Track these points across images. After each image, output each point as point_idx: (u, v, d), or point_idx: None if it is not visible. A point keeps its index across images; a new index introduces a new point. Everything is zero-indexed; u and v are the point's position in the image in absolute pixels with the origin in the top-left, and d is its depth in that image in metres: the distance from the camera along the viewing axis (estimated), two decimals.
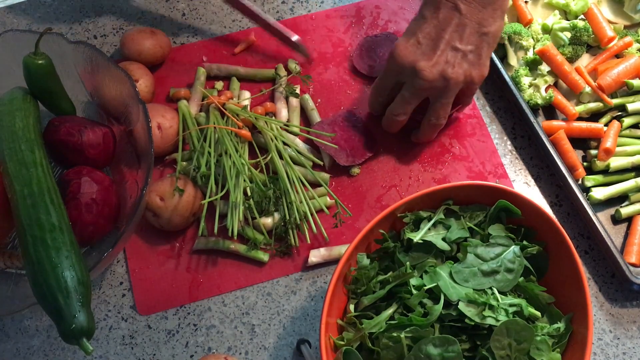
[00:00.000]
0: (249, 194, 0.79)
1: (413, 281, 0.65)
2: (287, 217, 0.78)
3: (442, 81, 0.74)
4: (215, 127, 0.82)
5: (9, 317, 0.77)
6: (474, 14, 0.73)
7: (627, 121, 0.87)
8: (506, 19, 0.92)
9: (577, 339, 0.65)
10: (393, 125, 0.82)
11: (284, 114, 0.87)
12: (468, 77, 0.75)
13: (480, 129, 0.88)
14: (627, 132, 0.87)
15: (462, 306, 0.62)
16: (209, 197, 0.78)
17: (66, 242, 0.63)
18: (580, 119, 0.87)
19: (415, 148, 0.86)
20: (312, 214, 0.79)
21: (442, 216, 0.69)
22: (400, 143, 0.87)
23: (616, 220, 0.83)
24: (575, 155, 0.84)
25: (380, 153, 0.86)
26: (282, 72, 0.90)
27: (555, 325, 0.65)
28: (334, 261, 0.79)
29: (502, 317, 0.61)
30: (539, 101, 0.86)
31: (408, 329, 0.61)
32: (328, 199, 0.82)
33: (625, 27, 0.93)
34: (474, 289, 0.64)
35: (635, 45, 0.90)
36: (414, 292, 0.64)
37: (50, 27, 0.76)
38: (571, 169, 0.83)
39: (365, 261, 0.67)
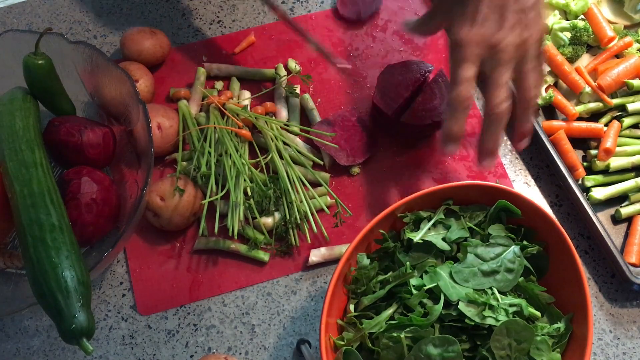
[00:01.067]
0: (249, 193, 0.79)
1: (413, 281, 0.65)
2: (288, 216, 0.78)
3: (523, 45, 0.66)
4: (215, 127, 0.82)
5: (9, 317, 0.77)
6: None
7: (627, 121, 0.87)
8: (545, 14, 0.91)
9: (577, 339, 0.65)
10: (501, 121, 0.69)
11: (284, 113, 0.87)
12: (541, 30, 0.68)
13: (480, 129, 0.88)
14: (627, 132, 0.87)
15: (462, 306, 0.62)
16: (209, 197, 0.78)
17: (66, 242, 0.63)
18: (580, 119, 0.87)
19: (415, 148, 0.86)
20: (312, 214, 0.79)
21: (442, 216, 0.69)
22: (401, 143, 0.86)
23: (616, 220, 0.83)
24: (575, 155, 0.84)
25: (380, 153, 0.86)
26: (282, 71, 0.90)
27: (555, 325, 0.65)
28: (335, 261, 0.79)
29: (502, 317, 0.61)
30: (539, 101, 0.86)
31: (408, 329, 0.61)
32: (328, 198, 0.82)
33: (625, 27, 0.93)
34: (474, 289, 0.64)
35: (635, 45, 0.90)
36: (414, 292, 0.64)
37: (50, 27, 0.76)
38: (571, 169, 0.83)
39: (365, 261, 0.67)
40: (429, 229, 0.68)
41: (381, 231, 0.69)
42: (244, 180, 0.78)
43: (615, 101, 0.87)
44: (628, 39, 0.89)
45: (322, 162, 0.84)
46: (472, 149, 0.87)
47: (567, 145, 0.84)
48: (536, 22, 0.67)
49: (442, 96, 0.82)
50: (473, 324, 0.62)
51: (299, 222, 0.78)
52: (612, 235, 0.81)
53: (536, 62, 0.68)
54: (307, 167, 0.81)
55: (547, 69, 0.89)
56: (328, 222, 0.81)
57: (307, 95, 0.88)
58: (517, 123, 0.71)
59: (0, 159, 0.70)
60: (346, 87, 0.91)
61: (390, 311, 0.65)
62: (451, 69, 0.68)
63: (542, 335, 0.63)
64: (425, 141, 0.87)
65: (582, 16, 0.92)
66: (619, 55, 0.90)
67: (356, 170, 0.84)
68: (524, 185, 0.85)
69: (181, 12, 0.97)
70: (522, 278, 0.66)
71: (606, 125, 0.86)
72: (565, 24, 0.91)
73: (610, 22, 0.91)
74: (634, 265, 0.78)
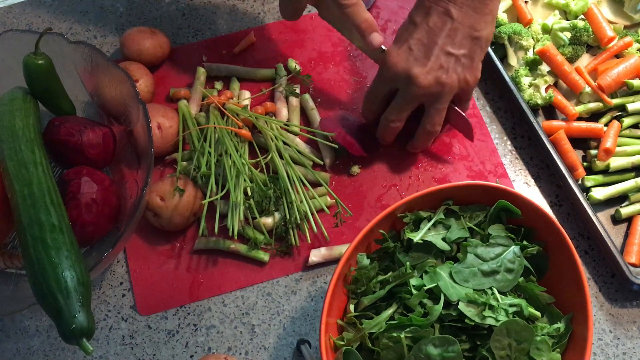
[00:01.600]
0: (249, 193, 0.79)
1: (413, 281, 0.65)
2: (288, 216, 0.78)
3: (437, 87, 0.74)
4: (215, 127, 0.82)
5: (9, 317, 0.77)
6: (466, 19, 0.72)
7: (627, 121, 0.87)
8: (506, 19, 0.92)
9: (577, 339, 0.65)
10: (388, 133, 0.81)
11: (284, 113, 0.87)
12: (462, 81, 0.75)
13: (480, 128, 0.88)
14: (627, 132, 0.87)
15: (462, 306, 0.62)
16: (209, 197, 0.78)
17: (66, 242, 0.63)
18: (580, 119, 0.87)
19: None
20: (312, 214, 0.79)
21: (442, 216, 0.69)
22: (401, 143, 0.86)
23: (616, 220, 0.83)
24: (575, 155, 0.84)
25: (380, 153, 0.86)
26: (282, 71, 0.90)
27: (555, 325, 0.65)
28: (335, 261, 0.79)
29: (502, 317, 0.61)
30: (539, 101, 0.86)
31: (408, 329, 0.61)
32: (328, 198, 0.82)
33: (625, 27, 0.93)
34: (474, 289, 0.64)
35: (635, 45, 0.90)
36: (414, 292, 0.64)
37: (50, 27, 0.76)
38: (571, 169, 0.83)
39: (365, 261, 0.67)
40: (429, 229, 0.68)
41: (381, 231, 0.69)
42: (244, 180, 0.78)
43: (615, 101, 0.87)
44: (628, 39, 0.89)
45: (322, 162, 0.84)
46: (472, 148, 0.87)
47: (567, 145, 0.84)
48: (456, 70, 0.74)
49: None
50: (473, 324, 0.62)
51: (299, 222, 0.78)
52: (612, 235, 0.81)
53: (442, 105, 0.77)
54: (307, 167, 0.81)
55: (547, 68, 0.89)
56: (328, 222, 0.81)
57: (307, 95, 0.88)
58: (416, 141, 0.83)
59: (0, 159, 0.70)
60: (346, 87, 0.91)
61: (390, 311, 0.65)
62: (373, 81, 0.79)
63: (542, 335, 0.63)
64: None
65: (582, 16, 0.92)
66: (619, 55, 0.90)
67: (356, 170, 0.84)
68: (524, 185, 0.85)
69: (181, 12, 0.97)
70: (522, 278, 0.66)
71: (606, 125, 0.86)
72: (565, 24, 0.91)
73: (610, 22, 0.91)
74: (634, 265, 0.78)
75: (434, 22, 0.73)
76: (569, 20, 0.92)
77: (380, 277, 0.67)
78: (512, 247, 0.66)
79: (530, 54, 0.89)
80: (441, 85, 0.73)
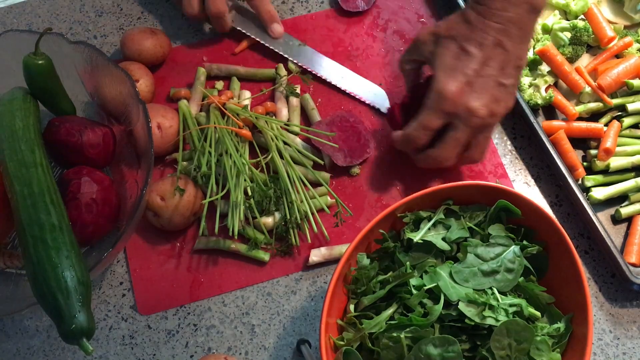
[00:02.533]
0: (250, 193, 0.79)
1: (413, 281, 0.65)
2: (288, 216, 0.78)
3: (492, 118, 0.74)
4: (215, 127, 0.82)
5: (9, 317, 0.77)
6: (515, 49, 0.73)
7: (627, 121, 0.87)
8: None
9: (577, 339, 0.65)
10: (432, 165, 0.79)
11: (284, 113, 0.87)
12: (508, 108, 0.75)
13: None
14: (627, 132, 0.87)
15: (462, 306, 0.62)
16: (210, 197, 0.78)
17: (66, 242, 0.63)
18: (580, 119, 0.87)
19: None
20: (312, 214, 0.79)
21: (442, 216, 0.69)
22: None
23: (616, 220, 0.83)
24: (575, 155, 0.84)
25: (380, 153, 0.86)
26: (282, 71, 0.90)
27: (555, 326, 0.65)
28: (335, 260, 0.79)
29: (502, 317, 0.61)
30: (539, 101, 0.86)
31: (408, 329, 0.61)
32: (329, 198, 0.82)
33: (625, 27, 0.93)
34: (474, 289, 0.64)
35: (635, 45, 0.90)
36: (414, 292, 0.64)
37: (50, 27, 0.76)
38: (571, 169, 0.83)
39: (365, 261, 0.67)
40: (429, 229, 0.68)
41: (381, 231, 0.69)
42: (244, 180, 0.78)
43: (615, 101, 0.87)
44: (628, 39, 0.89)
45: (322, 162, 0.84)
46: None
47: (567, 145, 0.84)
48: (506, 100, 0.74)
49: None
50: (473, 324, 0.62)
51: (299, 221, 0.78)
52: (612, 235, 0.80)
53: (490, 133, 0.77)
54: (307, 167, 0.81)
55: (547, 68, 0.89)
56: (328, 222, 0.81)
57: (307, 95, 0.88)
58: (453, 164, 0.79)
59: (0, 159, 0.70)
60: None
61: (390, 311, 0.65)
62: (424, 111, 0.75)
63: (542, 335, 0.63)
64: None
65: (582, 16, 0.92)
66: (619, 55, 0.90)
67: (356, 170, 0.84)
68: (524, 185, 0.85)
69: (181, 12, 0.97)
70: (522, 278, 0.66)
71: (606, 125, 0.86)
72: (565, 24, 0.90)
73: (610, 22, 0.91)
74: (634, 265, 0.78)
75: (488, 54, 0.72)
76: (569, 20, 0.92)
77: (380, 277, 0.67)
78: (512, 247, 0.66)
79: (530, 54, 0.89)
80: (495, 116, 0.74)
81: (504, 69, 0.73)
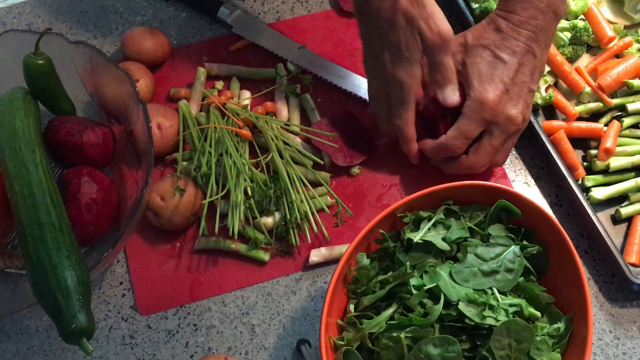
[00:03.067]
0: (250, 193, 0.79)
1: (413, 281, 0.65)
2: (288, 216, 0.78)
3: (524, 124, 0.77)
4: (215, 127, 0.82)
5: (9, 317, 0.77)
6: (543, 55, 0.75)
7: (627, 121, 0.87)
8: None
9: (577, 339, 0.65)
10: (472, 171, 0.80)
11: (284, 113, 0.87)
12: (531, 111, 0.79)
13: None
14: (627, 132, 0.87)
15: (462, 306, 0.62)
16: (210, 197, 0.78)
17: (66, 242, 0.63)
18: (580, 119, 0.87)
19: None
20: (312, 214, 0.79)
21: (442, 216, 0.69)
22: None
23: (616, 220, 0.83)
24: (575, 155, 0.84)
25: (380, 153, 0.86)
26: (282, 71, 0.90)
27: (555, 325, 0.65)
28: (335, 260, 0.79)
29: (502, 317, 0.61)
30: (539, 101, 0.86)
31: (408, 329, 0.61)
32: (329, 198, 0.82)
33: (625, 27, 0.93)
34: (474, 289, 0.64)
35: (635, 45, 0.90)
36: (414, 292, 0.64)
37: (50, 27, 0.76)
38: (571, 169, 0.83)
39: (365, 261, 0.67)
40: (429, 229, 0.68)
41: (381, 231, 0.69)
42: (245, 180, 0.78)
43: (615, 101, 0.87)
44: (628, 39, 0.89)
45: (322, 162, 0.84)
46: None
47: (567, 145, 0.84)
48: (531, 105, 0.78)
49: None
50: (473, 324, 0.61)
51: (299, 221, 0.78)
52: (612, 235, 0.80)
53: (517, 138, 0.79)
54: (307, 167, 0.81)
55: (547, 68, 0.89)
56: (328, 222, 0.81)
57: (307, 95, 0.88)
58: (476, 167, 0.80)
59: (0, 159, 0.70)
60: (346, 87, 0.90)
61: (390, 311, 0.65)
62: (464, 120, 0.75)
63: (542, 335, 0.63)
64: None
65: (582, 16, 0.92)
66: (619, 55, 0.90)
67: (356, 170, 0.84)
68: (524, 185, 0.85)
69: (181, 12, 0.97)
70: (522, 278, 0.66)
71: (606, 125, 0.86)
72: (565, 24, 0.90)
73: (610, 22, 0.91)
74: (634, 265, 0.78)
75: (522, 62, 0.74)
76: (569, 20, 0.92)
77: (380, 277, 0.67)
78: (512, 247, 0.66)
79: None
80: (526, 122, 0.77)
81: (533, 75, 0.75)
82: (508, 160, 0.86)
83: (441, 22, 0.71)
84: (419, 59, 0.73)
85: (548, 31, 0.74)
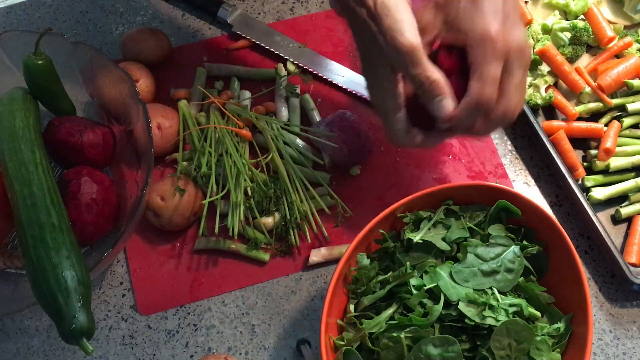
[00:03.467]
0: (250, 193, 0.79)
1: (413, 281, 0.65)
2: (288, 216, 0.78)
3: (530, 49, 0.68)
4: (215, 127, 0.82)
5: (9, 317, 0.77)
6: None
7: (627, 121, 0.87)
8: None
9: (577, 339, 0.65)
10: (506, 122, 0.67)
11: (284, 113, 0.87)
12: None
13: None
14: (627, 132, 0.87)
15: (462, 306, 0.62)
16: (210, 197, 0.78)
17: (66, 242, 0.63)
18: (580, 119, 0.87)
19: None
20: (312, 214, 0.79)
21: (442, 216, 0.69)
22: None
23: (616, 220, 0.83)
24: (575, 155, 0.84)
25: (380, 153, 0.86)
26: (282, 71, 0.90)
27: (555, 325, 0.65)
28: (335, 261, 0.79)
29: (502, 317, 0.61)
30: (539, 101, 0.86)
31: (408, 329, 0.61)
32: (329, 198, 0.82)
33: (625, 27, 0.93)
34: (474, 289, 0.64)
35: (635, 46, 0.90)
36: (414, 292, 0.64)
37: (50, 27, 0.76)
38: (571, 169, 0.83)
39: (365, 261, 0.67)
40: (429, 229, 0.68)
41: (381, 231, 0.69)
42: (245, 180, 0.78)
43: (615, 101, 0.87)
44: (628, 39, 0.89)
45: (322, 162, 0.84)
46: (472, 149, 0.87)
47: (567, 145, 0.84)
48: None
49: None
50: (473, 324, 0.62)
51: (299, 222, 0.78)
52: (612, 235, 0.80)
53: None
54: (307, 167, 0.81)
55: (547, 69, 0.89)
56: (328, 222, 0.81)
57: (307, 96, 0.88)
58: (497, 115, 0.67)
59: (0, 159, 0.70)
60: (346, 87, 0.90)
61: (390, 311, 0.65)
62: (479, 68, 0.64)
63: (542, 335, 0.63)
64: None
65: (582, 16, 0.92)
66: (619, 56, 0.90)
67: (356, 170, 0.84)
68: (524, 185, 0.85)
69: (181, 12, 0.97)
70: (522, 278, 0.66)
71: (606, 125, 0.86)
72: (565, 24, 0.90)
73: (610, 22, 0.91)
74: (634, 265, 0.78)
75: None
76: (569, 20, 0.92)
77: (380, 277, 0.67)
78: (512, 247, 0.66)
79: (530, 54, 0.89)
80: (530, 48, 0.68)
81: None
82: (508, 160, 0.86)
83: (401, 34, 0.62)
84: (387, 76, 0.66)
85: None
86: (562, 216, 0.83)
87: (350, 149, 0.83)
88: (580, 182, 0.84)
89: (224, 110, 0.84)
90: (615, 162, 0.84)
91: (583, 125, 0.86)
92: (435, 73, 0.64)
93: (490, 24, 0.64)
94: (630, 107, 0.86)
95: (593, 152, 0.85)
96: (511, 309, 0.63)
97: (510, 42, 0.63)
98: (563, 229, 0.67)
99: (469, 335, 0.63)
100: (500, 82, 0.64)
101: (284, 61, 0.91)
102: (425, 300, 0.63)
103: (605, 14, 0.92)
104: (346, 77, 0.90)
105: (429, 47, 0.67)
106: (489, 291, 0.64)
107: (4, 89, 0.77)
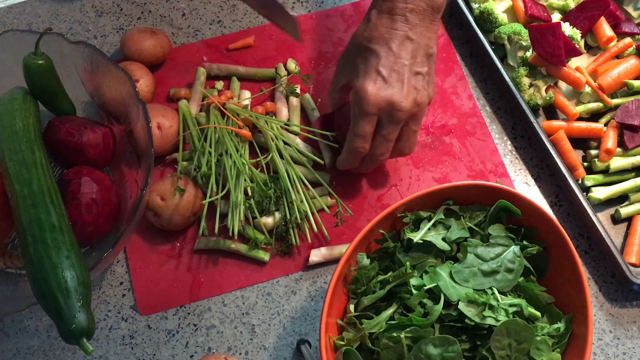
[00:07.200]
0: (250, 193, 0.79)
1: (413, 281, 0.65)
2: (288, 216, 0.78)
3: (416, 107, 0.74)
4: (215, 127, 0.82)
5: (9, 317, 0.77)
6: (422, 39, 0.73)
7: None
8: (506, 19, 0.92)
9: (577, 339, 0.65)
10: (375, 165, 0.80)
11: (284, 113, 0.87)
12: (430, 97, 0.76)
13: (481, 128, 0.88)
14: None
15: (462, 306, 0.62)
16: (210, 197, 0.78)
17: (66, 242, 0.63)
18: (580, 119, 0.87)
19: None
20: (312, 213, 0.79)
21: (442, 216, 0.69)
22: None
23: (616, 220, 0.83)
24: (575, 155, 0.84)
25: None
26: (282, 71, 0.90)
27: (555, 326, 0.65)
28: (335, 260, 0.79)
29: (502, 317, 0.61)
30: (539, 101, 0.87)
31: (408, 329, 0.61)
32: (329, 198, 0.82)
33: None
34: (474, 289, 0.64)
35: (635, 45, 0.90)
36: (414, 292, 0.64)
37: (50, 27, 0.76)
38: (571, 169, 0.83)
39: (365, 261, 0.67)
40: (429, 229, 0.68)
41: (381, 231, 0.69)
42: (245, 180, 0.78)
43: (615, 101, 0.87)
44: (627, 39, 0.89)
45: (322, 162, 0.84)
46: (473, 148, 0.87)
47: (567, 145, 0.84)
48: (426, 87, 0.75)
49: None
50: (473, 324, 0.62)
51: (299, 221, 0.78)
52: (612, 235, 0.81)
53: (417, 125, 0.76)
54: (307, 166, 0.81)
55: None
56: (328, 222, 0.81)
57: (307, 95, 0.88)
58: (373, 163, 0.79)
59: (0, 159, 0.70)
60: None
61: (390, 311, 0.65)
62: (353, 121, 0.75)
63: (542, 335, 0.63)
64: (423, 138, 0.87)
65: None
66: (619, 56, 0.90)
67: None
68: (524, 185, 0.85)
69: (181, 12, 0.97)
70: (522, 278, 0.66)
71: (606, 125, 0.86)
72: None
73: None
74: (634, 265, 0.78)
75: (397, 48, 0.73)
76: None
77: (380, 277, 0.67)
78: (512, 247, 0.66)
79: (530, 54, 0.89)
80: (418, 105, 0.74)
81: (415, 58, 0.73)
82: (508, 160, 0.86)
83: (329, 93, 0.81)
84: None
85: (424, 15, 0.73)
86: (562, 216, 0.83)
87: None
88: (580, 182, 0.84)
89: (224, 110, 0.84)
90: (615, 163, 0.84)
91: (583, 125, 0.86)
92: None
93: (366, 83, 0.73)
94: None
95: (593, 152, 0.85)
96: (511, 309, 0.63)
97: (380, 100, 0.72)
98: (563, 229, 0.67)
99: (469, 335, 0.63)
100: (374, 133, 0.75)
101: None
102: (425, 300, 0.63)
103: None
104: None
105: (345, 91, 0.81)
106: (489, 291, 0.64)
107: (4, 89, 0.77)
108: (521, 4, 0.92)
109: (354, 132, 0.75)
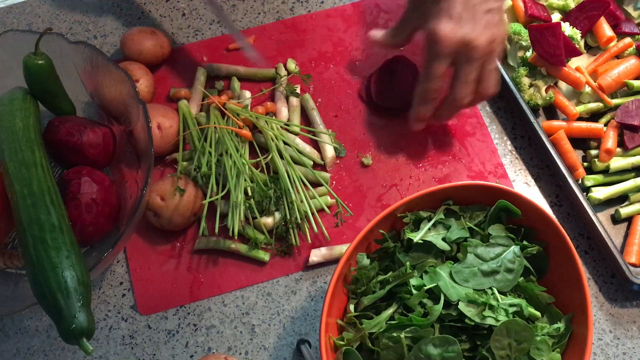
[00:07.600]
0: (250, 193, 0.79)
1: (413, 281, 0.65)
2: (288, 216, 0.78)
3: (492, 44, 0.73)
4: (215, 127, 0.82)
5: (9, 317, 0.77)
6: None
7: None
8: (506, 19, 0.92)
9: (577, 339, 0.65)
10: (455, 112, 0.79)
11: (284, 113, 0.87)
12: (503, 36, 0.75)
13: (481, 128, 0.88)
14: None
15: (462, 306, 0.62)
16: (210, 197, 0.78)
17: (66, 242, 0.63)
18: (580, 119, 0.87)
19: (415, 147, 0.86)
20: (312, 214, 0.79)
21: (442, 216, 0.69)
22: (401, 142, 0.87)
23: (616, 220, 0.83)
24: (575, 155, 0.84)
25: (380, 153, 0.86)
26: (282, 71, 0.90)
27: (555, 325, 0.65)
28: (335, 260, 0.79)
29: (502, 317, 0.61)
30: (540, 101, 0.86)
31: (408, 329, 0.61)
32: (329, 198, 0.82)
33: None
34: (474, 289, 0.64)
35: (635, 45, 0.90)
36: (414, 292, 0.64)
37: (50, 27, 0.76)
38: (571, 169, 0.83)
39: (365, 261, 0.67)
40: (429, 229, 0.68)
41: (381, 231, 0.69)
42: (245, 180, 0.78)
43: (615, 101, 0.87)
44: (627, 39, 0.89)
45: (322, 162, 0.84)
46: (473, 148, 0.87)
47: (567, 145, 0.84)
48: (500, 24, 0.74)
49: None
50: (473, 324, 0.62)
51: (299, 221, 0.78)
52: (612, 235, 0.80)
53: (495, 64, 0.76)
54: (307, 166, 0.81)
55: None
56: (328, 222, 0.81)
57: (307, 95, 0.88)
58: (458, 106, 0.78)
59: (0, 159, 0.70)
60: (347, 87, 0.90)
61: (390, 311, 0.65)
62: (426, 63, 0.75)
63: (542, 335, 0.63)
64: (423, 138, 0.87)
65: None
66: (619, 56, 0.90)
67: (368, 160, 0.84)
68: (524, 185, 0.85)
69: (181, 12, 0.97)
70: (522, 278, 0.66)
71: (606, 125, 0.86)
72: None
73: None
74: (634, 265, 0.78)
75: None
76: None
77: (380, 277, 0.67)
78: (512, 247, 0.66)
79: (530, 54, 0.89)
80: (494, 42, 0.73)
81: None
82: (508, 160, 0.86)
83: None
84: None
85: None
86: (562, 216, 0.83)
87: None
88: (580, 182, 0.84)
89: (224, 110, 0.84)
90: (615, 163, 0.84)
91: (583, 125, 0.86)
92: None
93: (441, 25, 0.72)
94: None
95: (593, 152, 0.85)
96: (511, 309, 0.63)
97: (456, 40, 0.71)
98: (563, 229, 0.67)
99: (469, 335, 0.63)
100: (453, 75, 0.75)
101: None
102: (425, 300, 0.64)
103: None
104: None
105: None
106: (489, 291, 0.64)
107: (4, 89, 0.77)
108: (521, 4, 0.91)
109: (427, 75, 0.75)
